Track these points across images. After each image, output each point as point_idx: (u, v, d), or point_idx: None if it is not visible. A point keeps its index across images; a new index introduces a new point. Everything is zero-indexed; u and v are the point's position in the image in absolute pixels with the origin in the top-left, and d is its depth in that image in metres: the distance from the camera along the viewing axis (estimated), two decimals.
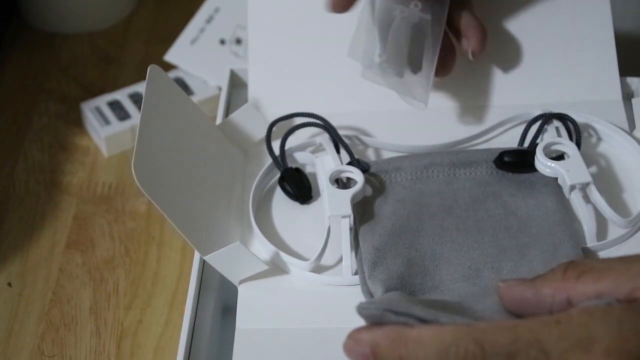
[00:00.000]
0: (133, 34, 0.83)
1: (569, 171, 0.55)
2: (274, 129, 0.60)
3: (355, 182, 0.55)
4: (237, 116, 0.62)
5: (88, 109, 0.72)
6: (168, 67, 0.75)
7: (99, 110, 0.72)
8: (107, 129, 0.71)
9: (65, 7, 0.83)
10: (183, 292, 0.61)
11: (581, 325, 0.36)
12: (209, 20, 0.77)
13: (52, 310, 0.60)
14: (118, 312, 0.60)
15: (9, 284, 0.62)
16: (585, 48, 0.63)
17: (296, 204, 0.58)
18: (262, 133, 0.61)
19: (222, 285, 0.55)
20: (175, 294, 0.61)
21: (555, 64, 0.63)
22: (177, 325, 0.59)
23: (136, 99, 0.73)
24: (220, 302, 0.55)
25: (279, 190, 0.59)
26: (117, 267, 0.63)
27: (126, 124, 0.71)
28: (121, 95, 0.73)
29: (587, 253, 0.53)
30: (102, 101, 0.73)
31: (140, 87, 0.73)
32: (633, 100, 0.61)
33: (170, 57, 0.76)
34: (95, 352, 0.58)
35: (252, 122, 0.62)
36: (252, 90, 0.65)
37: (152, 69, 0.56)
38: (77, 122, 0.74)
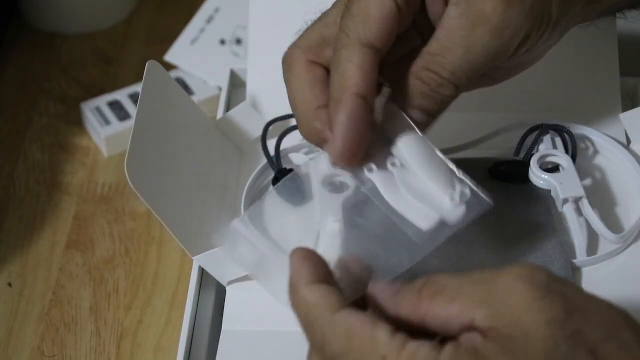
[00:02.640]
0: (133, 34, 0.83)
1: (562, 184, 0.54)
2: (270, 128, 0.60)
3: (348, 187, 0.55)
4: (234, 114, 0.62)
5: (88, 109, 0.72)
6: (168, 67, 0.75)
7: (99, 110, 0.72)
8: (107, 129, 0.71)
9: (65, 7, 0.82)
10: (183, 292, 0.60)
11: None
12: (209, 20, 0.77)
13: (52, 310, 0.60)
14: (118, 312, 0.60)
15: (9, 284, 0.62)
16: (587, 57, 0.63)
17: (289, 205, 0.58)
18: (259, 132, 0.61)
19: (222, 285, 0.55)
20: (175, 294, 0.61)
21: (555, 73, 0.63)
22: (177, 325, 0.59)
23: (136, 99, 0.72)
24: (220, 302, 0.55)
25: None
26: (117, 267, 0.63)
27: (126, 124, 0.71)
28: (121, 95, 0.73)
29: (575, 267, 0.53)
30: (102, 101, 0.73)
31: (140, 87, 0.73)
32: (621, 115, 0.60)
33: (170, 57, 0.76)
34: (95, 352, 0.58)
35: (249, 120, 0.62)
36: (251, 89, 0.65)
37: (150, 65, 0.56)
38: (77, 122, 0.74)
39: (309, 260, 0.41)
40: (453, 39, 0.47)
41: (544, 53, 0.53)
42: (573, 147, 0.57)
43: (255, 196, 0.59)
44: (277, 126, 0.61)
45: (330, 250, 0.53)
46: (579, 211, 0.55)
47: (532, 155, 0.57)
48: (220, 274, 0.54)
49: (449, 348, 0.36)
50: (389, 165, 0.48)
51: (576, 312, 0.36)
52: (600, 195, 0.57)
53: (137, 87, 0.74)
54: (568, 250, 0.54)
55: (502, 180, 0.57)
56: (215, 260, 0.53)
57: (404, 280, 0.40)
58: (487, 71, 0.52)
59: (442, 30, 0.47)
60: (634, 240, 0.55)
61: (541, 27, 0.48)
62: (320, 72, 0.50)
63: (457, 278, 0.38)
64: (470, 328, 0.37)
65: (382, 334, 0.37)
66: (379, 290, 0.40)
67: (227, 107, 0.66)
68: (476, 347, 0.36)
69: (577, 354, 0.35)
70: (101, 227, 0.66)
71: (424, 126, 0.48)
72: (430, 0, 0.49)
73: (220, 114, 0.64)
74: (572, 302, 0.36)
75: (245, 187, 0.58)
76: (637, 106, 0.63)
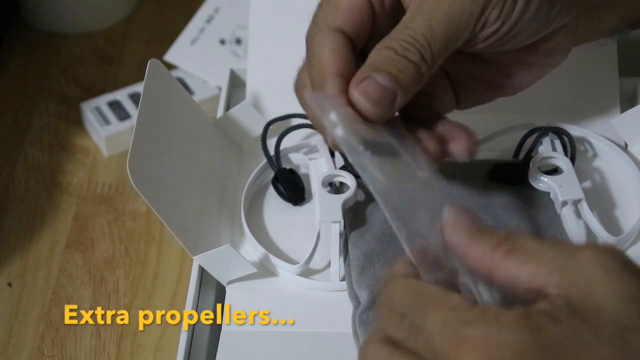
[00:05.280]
0: (133, 34, 0.83)
1: (562, 187, 0.55)
2: (270, 128, 0.60)
3: (348, 187, 0.55)
4: (234, 113, 0.62)
5: (88, 109, 0.72)
6: (168, 67, 0.75)
7: (99, 110, 0.72)
8: (107, 129, 0.71)
9: (65, 7, 0.83)
10: (183, 292, 0.60)
11: (468, 322, 0.35)
12: (209, 20, 0.78)
13: (52, 310, 0.60)
14: (118, 312, 0.60)
15: (9, 284, 0.62)
16: (586, 58, 0.63)
17: (289, 205, 0.58)
18: (259, 131, 0.61)
19: (222, 284, 0.55)
20: (175, 294, 0.61)
21: (554, 74, 0.62)
22: (177, 325, 0.59)
23: (136, 99, 0.73)
24: (220, 302, 0.55)
25: (271, 190, 0.59)
26: (117, 267, 0.63)
27: (126, 124, 0.71)
28: (121, 95, 0.73)
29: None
30: (102, 101, 0.73)
31: (141, 87, 0.73)
32: (612, 121, 0.60)
33: (170, 57, 0.76)
34: (95, 352, 0.58)
35: (249, 119, 0.62)
36: (251, 89, 0.65)
37: (152, 63, 0.56)
38: (77, 122, 0.74)
39: None
40: (419, 9, 0.48)
41: (547, 58, 0.52)
42: (572, 150, 0.58)
43: (255, 195, 0.59)
44: (277, 126, 0.61)
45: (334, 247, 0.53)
46: (578, 213, 0.55)
47: (531, 157, 0.57)
48: (220, 274, 0.54)
49: (518, 307, 0.35)
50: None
51: None
52: (599, 198, 0.57)
53: (137, 87, 0.74)
54: None
55: (501, 182, 0.57)
56: (215, 260, 0.53)
57: (481, 225, 0.39)
58: (498, 79, 0.52)
59: (412, 4, 0.48)
60: (633, 243, 0.55)
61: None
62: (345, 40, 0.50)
63: (538, 241, 0.38)
64: (539, 294, 0.36)
65: (453, 295, 0.37)
66: (455, 223, 0.39)
67: (227, 107, 0.66)
68: (546, 309, 0.35)
69: None
70: (101, 227, 0.66)
71: (398, 102, 0.47)
72: None
73: (220, 114, 0.65)
74: None
75: (245, 187, 0.58)
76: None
